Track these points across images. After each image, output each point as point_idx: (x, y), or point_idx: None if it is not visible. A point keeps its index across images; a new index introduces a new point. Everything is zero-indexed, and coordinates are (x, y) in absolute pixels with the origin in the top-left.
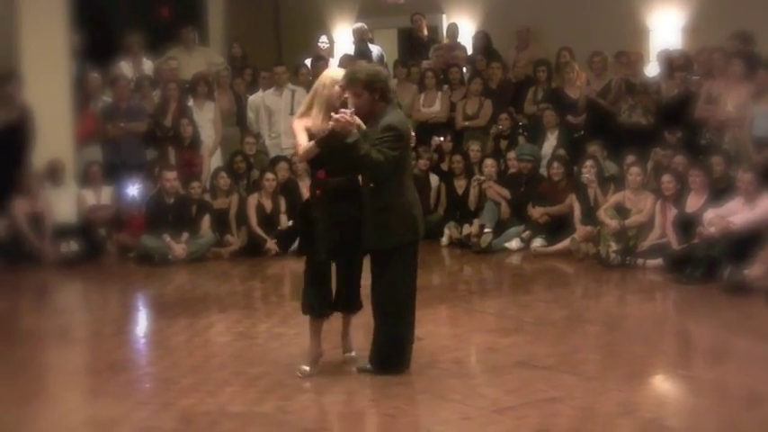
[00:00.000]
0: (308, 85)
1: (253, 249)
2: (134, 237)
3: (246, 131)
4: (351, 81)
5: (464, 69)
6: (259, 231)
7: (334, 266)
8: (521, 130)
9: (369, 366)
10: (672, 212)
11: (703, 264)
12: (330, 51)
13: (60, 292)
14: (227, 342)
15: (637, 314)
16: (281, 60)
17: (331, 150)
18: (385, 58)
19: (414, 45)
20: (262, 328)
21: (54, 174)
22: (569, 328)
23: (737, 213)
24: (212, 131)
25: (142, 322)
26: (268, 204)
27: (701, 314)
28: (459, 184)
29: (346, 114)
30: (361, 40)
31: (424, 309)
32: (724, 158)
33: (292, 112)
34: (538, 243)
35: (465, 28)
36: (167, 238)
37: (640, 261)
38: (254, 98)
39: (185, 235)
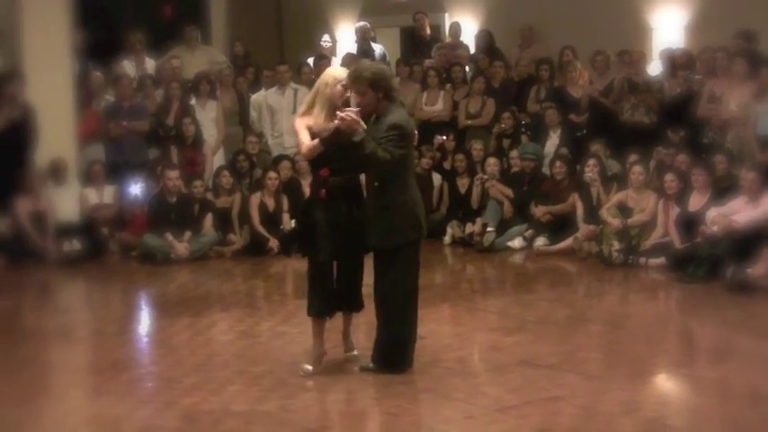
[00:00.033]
0: (310, 84)
1: (255, 248)
2: (136, 235)
3: (249, 130)
4: (356, 79)
5: (467, 68)
6: (261, 230)
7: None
8: (523, 129)
9: (371, 365)
10: (675, 211)
11: (706, 263)
12: (333, 50)
13: (63, 291)
14: (229, 341)
15: (639, 313)
16: (284, 59)
17: (336, 149)
18: (387, 57)
19: (416, 44)
20: (264, 327)
21: (57, 172)
22: (572, 327)
23: (740, 212)
24: (215, 130)
25: (145, 321)
26: (271, 203)
27: (704, 313)
28: (462, 183)
29: (352, 113)
30: (364, 38)
31: (427, 307)
32: (727, 157)
33: (295, 111)
34: (540, 242)
35: (468, 27)
36: (170, 236)
37: (643, 260)
38: (257, 97)
39: (188, 234)
